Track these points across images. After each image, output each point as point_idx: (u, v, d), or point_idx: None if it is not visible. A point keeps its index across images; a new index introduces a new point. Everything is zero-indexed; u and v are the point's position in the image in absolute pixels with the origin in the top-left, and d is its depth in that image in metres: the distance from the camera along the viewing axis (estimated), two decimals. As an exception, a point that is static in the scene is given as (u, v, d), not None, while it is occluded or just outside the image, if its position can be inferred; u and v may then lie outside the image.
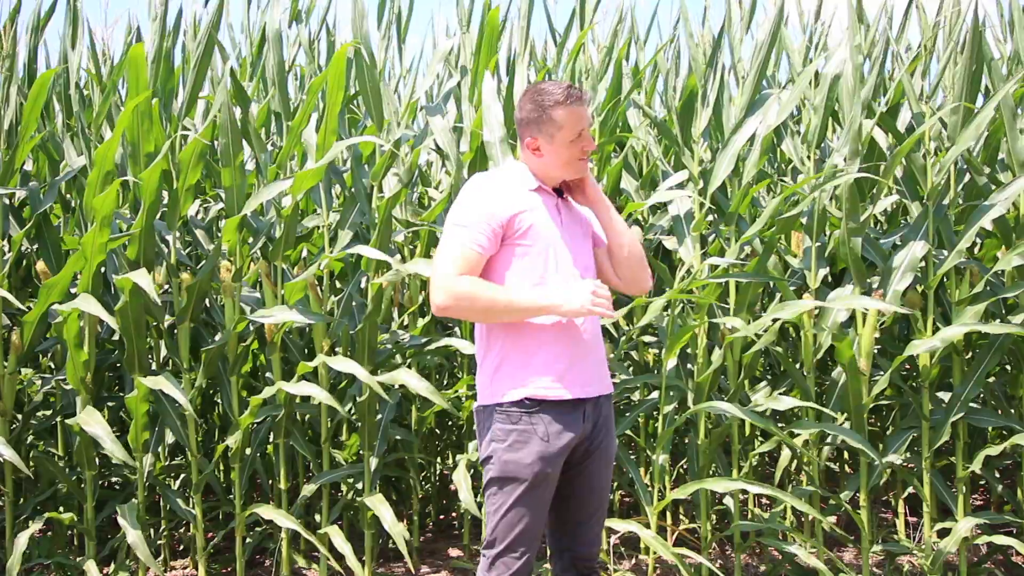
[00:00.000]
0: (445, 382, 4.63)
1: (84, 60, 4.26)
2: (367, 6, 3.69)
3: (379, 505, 3.66)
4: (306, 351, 4.08)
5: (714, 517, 4.24)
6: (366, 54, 3.71)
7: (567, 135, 2.38)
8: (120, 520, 3.62)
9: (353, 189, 3.89)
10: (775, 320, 3.41)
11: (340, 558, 3.90)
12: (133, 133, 3.53)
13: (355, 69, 3.76)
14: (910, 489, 4.26)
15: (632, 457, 3.97)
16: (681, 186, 3.87)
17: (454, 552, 4.42)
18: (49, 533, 4.17)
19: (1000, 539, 3.51)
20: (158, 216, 3.77)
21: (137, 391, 3.56)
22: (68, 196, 4.30)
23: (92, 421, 3.51)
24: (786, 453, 3.92)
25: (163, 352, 3.97)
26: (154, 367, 3.94)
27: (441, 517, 4.91)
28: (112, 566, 3.91)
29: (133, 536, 3.59)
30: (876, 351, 3.65)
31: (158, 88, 3.75)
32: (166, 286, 3.92)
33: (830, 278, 3.89)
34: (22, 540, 3.57)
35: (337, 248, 3.73)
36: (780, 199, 3.33)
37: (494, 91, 3.73)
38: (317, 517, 4.05)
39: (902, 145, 3.38)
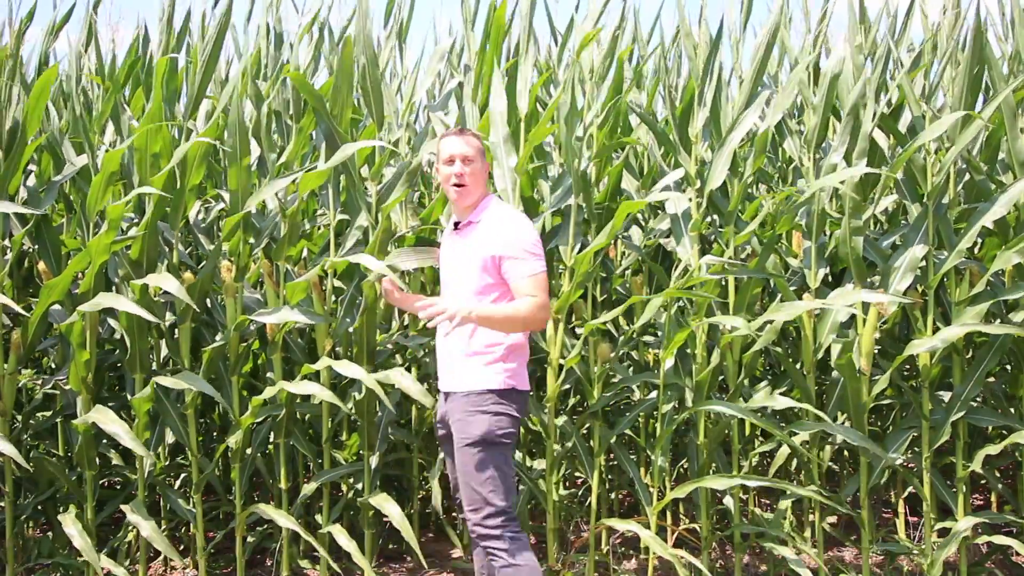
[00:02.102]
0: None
1: (92, 61, 4.26)
2: (371, 6, 3.70)
3: (385, 503, 3.69)
4: (307, 351, 4.08)
5: (714, 517, 4.24)
6: (367, 54, 3.71)
7: (440, 159, 3.13)
8: (131, 517, 3.63)
9: (353, 191, 3.89)
10: (772, 321, 3.41)
11: (339, 558, 3.90)
12: (142, 135, 3.53)
13: (357, 69, 3.76)
14: (910, 489, 4.26)
15: (632, 457, 3.97)
16: (678, 184, 3.87)
17: (455, 552, 4.42)
18: (50, 533, 4.17)
19: (1000, 539, 3.52)
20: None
21: (148, 389, 3.55)
22: (70, 197, 4.29)
23: (107, 420, 3.51)
24: (783, 450, 3.92)
25: (164, 352, 3.97)
26: (155, 367, 3.93)
27: (442, 517, 4.90)
28: (114, 563, 3.91)
29: (147, 529, 3.61)
30: (876, 351, 3.66)
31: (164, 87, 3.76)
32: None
33: (830, 278, 3.89)
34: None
35: (342, 249, 3.74)
36: (780, 197, 3.33)
37: (501, 92, 3.74)
38: (318, 517, 4.05)
39: (905, 150, 3.38)
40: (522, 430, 4.57)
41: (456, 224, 3.19)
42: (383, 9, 4.23)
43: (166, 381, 3.51)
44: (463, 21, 4.18)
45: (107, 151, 3.56)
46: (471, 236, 3.10)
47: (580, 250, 3.79)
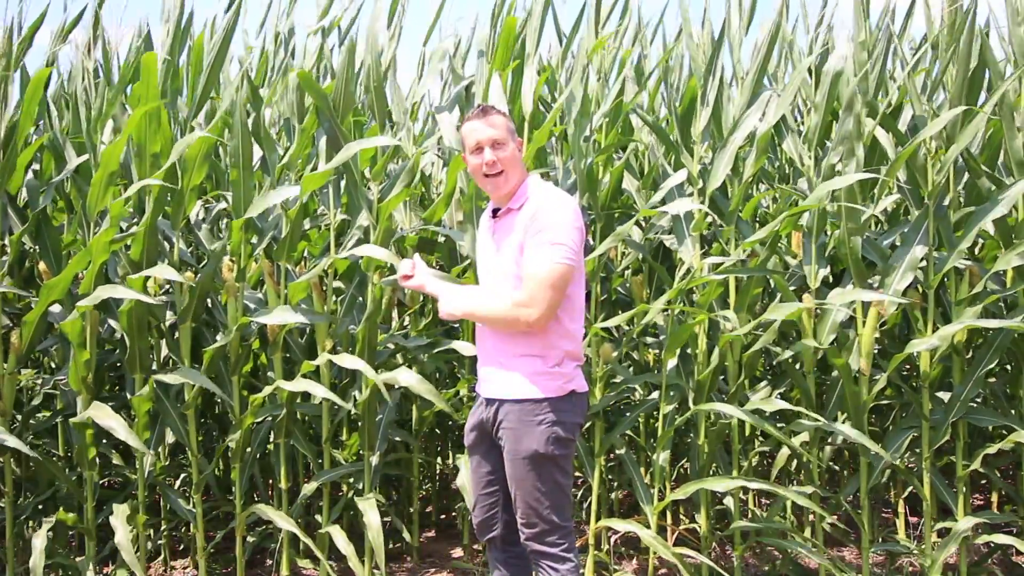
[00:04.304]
0: (446, 382, 4.64)
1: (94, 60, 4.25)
2: (380, 8, 3.70)
3: (368, 510, 3.64)
4: (308, 351, 4.08)
5: (714, 517, 4.24)
6: (372, 55, 3.71)
7: (466, 149, 2.77)
8: (112, 520, 3.60)
9: (355, 190, 3.89)
10: (772, 321, 3.42)
11: (340, 558, 3.90)
12: (140, 134, 3.53)
13: (363, 70, 3.77)
14: (910, 489, 4.26)
15: (632, 457, 3.98)
16: (681, 186, 3.88)
17: (455, 552, 4.42)
18: (49, 533, 4.16)
19: (1000, 538, 3.52)
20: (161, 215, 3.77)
21: (148, 388, 3.55)
22: (70, 196, 4.29)
23: (103, 415, 3.49)
24: (784, 452, 3.93)
25: (164, 352, 3.97)
26: (155, 367, 3.93)
27: (442, 517, 4.91)
28: (112, 566, 3.91)
29: (120, 536, 3.56)
30: (876, 351, 3.66)
31: (165, 87, 3.75)
32: (168, 286, 3.91)
33: (830, 278, 3.89)
34: (38, 542, 3.59)
35: (343, 249, 3.74)
36: (788, 214, 3.34)
37: (501, 92, 3.74)
38: (318, 517, 4.05)
39: (905, 149, 3.39)
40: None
41: (495, 211, 2.81)
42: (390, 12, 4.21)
43: (166, 378, 3.50)
44: (490, 21, 4.14)
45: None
46: (511, 224, 2.71)
47: (585, 251, 3.80)
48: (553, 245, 2.57)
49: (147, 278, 3.58)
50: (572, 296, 2.67)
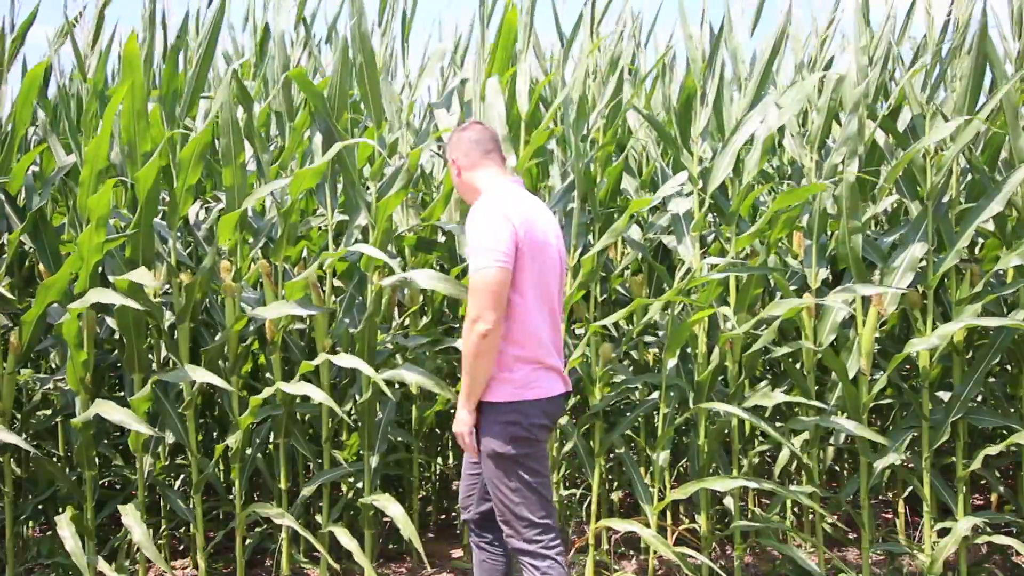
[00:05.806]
0: (447, 381, 4.63)
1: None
2: (366, 4, 3.69)
3: (388, 504, 3.66)
4: (307, 351, 4.08)
5: (714, 517, 4.24)
6: (364, 52, 3.70)
7: None
8: (125, 520, 3.61)
9: (352, 190, 3.89)
10: (771, 319, 3.42)
11: (339, 558, 3.90)
12: (130, 132, 3.52)
13: (356, 69, 3.75)
14: (910, 489, 4.26)
15: (632, 457, 3.98)
16: (682, 187, 3.87)
17: (455, 552, 4.42)
18: (49, 533, 4.16)
19: (1000, 539, 3.52)
20: (159, 216, 3.76)
21: (147, 389, 3.54)
22: (67, 196, 4.29)
23: (111, 409, 3.47)
24: (785, 451, 3.92)
25: (163, 352, 3.97)
26: (154, 367, 3.93)
27: (442, 517, 4.91)
28: (112, 566, 3.90)
29: (139, 535, 3.58)
30: (876, 351, 3.66)
31: (159, 87, 3.75)
32: (166, 286, 3.91)
33: (831, 278, 3.89)
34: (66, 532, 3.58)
35: (340, 248, 3.73)
36: (781, 199, 3.33)
37: (498, 89, 3.73)
38: (318, 517, 4.05)
39: (906, 153, 3.38)
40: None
41: None
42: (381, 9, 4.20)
43: (166, 376, 3.50)
44: (480, 19, 4.14)
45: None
46: None
47: (583, 250, 3.79)
48: (478, 252, 2.61)
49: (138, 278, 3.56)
50: (513, 300, 2.65)
